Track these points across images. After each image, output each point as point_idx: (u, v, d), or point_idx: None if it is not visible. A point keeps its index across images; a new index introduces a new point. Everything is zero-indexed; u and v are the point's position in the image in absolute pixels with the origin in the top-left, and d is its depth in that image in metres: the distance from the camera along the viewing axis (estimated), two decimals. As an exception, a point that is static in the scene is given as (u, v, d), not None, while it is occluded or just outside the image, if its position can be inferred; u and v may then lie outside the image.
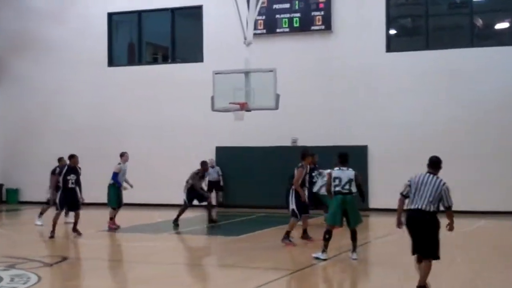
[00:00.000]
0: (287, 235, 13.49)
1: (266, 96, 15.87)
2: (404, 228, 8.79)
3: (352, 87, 21.53)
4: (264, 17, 21.99)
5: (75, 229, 15.26)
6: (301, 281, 10.47)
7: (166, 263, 11.99)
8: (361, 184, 12.08)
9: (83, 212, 15.59)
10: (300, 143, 21.43)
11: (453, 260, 11.41)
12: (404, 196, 8.84)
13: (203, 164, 17.62)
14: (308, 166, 13.99)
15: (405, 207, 8.87)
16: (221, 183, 22.34)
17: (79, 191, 15.23)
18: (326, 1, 21.64)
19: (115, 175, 16.64)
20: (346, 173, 11.71)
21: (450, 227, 8.73)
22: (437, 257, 8.64)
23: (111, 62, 24.58)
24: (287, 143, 21.93)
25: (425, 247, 8.57)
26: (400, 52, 21.41)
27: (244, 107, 16.06)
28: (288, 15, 22.03)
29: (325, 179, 13.69)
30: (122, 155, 17.00)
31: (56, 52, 24.71)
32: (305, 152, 13.72)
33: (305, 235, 13.97)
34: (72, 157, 15.40)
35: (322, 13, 21.67)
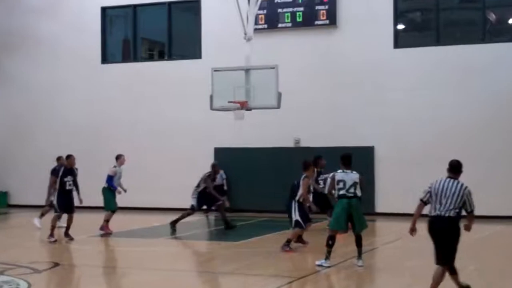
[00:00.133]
0: (287, 243, 13.41)
1: (267, 94, 16.03)
2: (412, 233, 8.92)
3: (358, 85, 21.15)
4: (265, 11, 21.65)
5: (67, 234, 15.23)
6: (304, 289, 10.46)
7: (162, 269, 11.98)
8: (363, 188, 12.00)
9: (74, 216, 15.49)
10: (303, 143, 21.37)
11: (466, 267, 10.84)
12: (424, 202, 8.83)
13: (214, 166, 17.44)
14: (316, 170, 14.21)
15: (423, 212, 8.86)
16: (225, 187, 21.87)
17: (77, 193, 15.33)
18: (331, -5, 21.46)
19: (110, 178, 16.49)
20: (350, 176, 11.62)
21: (467, 227, 8.78)
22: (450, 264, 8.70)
23: (105, 59, 24.25)
24: (290, 143, 21.69)
25: (444, 254, 8.61)
26: (408, 48, 21.05)
27: (244, 106, 16.13)
28: (290, 9, 21.67)
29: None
30: (118, 157, 16.79)
31: (48, 48, 24.37)
32: (308, 163, 13.59)
33: (300, 239, 13.93)
34: (68, 157, 15.46)
35: (327, 7, 21.32)
